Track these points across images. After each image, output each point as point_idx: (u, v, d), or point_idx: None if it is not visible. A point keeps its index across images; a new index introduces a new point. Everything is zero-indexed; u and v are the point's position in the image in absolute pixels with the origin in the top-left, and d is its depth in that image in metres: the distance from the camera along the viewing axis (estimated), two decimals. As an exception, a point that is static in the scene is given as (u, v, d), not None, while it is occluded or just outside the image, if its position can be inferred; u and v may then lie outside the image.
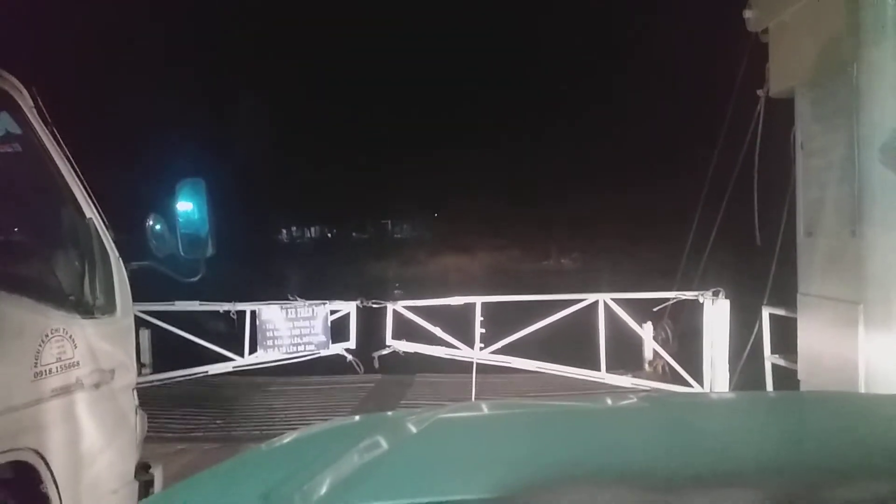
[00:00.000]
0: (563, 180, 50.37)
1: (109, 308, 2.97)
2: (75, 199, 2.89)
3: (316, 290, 9.61)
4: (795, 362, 5.33)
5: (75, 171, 2.90)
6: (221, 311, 6.74)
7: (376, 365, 6.98)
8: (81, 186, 2.92)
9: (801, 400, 2.57)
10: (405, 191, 61.01)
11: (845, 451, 1.31)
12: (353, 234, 63.54)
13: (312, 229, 66.36)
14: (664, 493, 1.07)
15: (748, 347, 6.15)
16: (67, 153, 2.87)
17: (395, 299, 7.10)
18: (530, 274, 26.88)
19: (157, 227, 3.38)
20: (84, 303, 2.85)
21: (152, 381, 6.90)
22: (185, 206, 3.31)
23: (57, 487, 2.43)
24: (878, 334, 4.35)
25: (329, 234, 64.83)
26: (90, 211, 2.93)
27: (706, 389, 6.24)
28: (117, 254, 3.05)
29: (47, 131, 2.79)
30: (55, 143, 2.82)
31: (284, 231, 63.23)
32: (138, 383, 3.38)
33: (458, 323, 6.80)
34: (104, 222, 3.01)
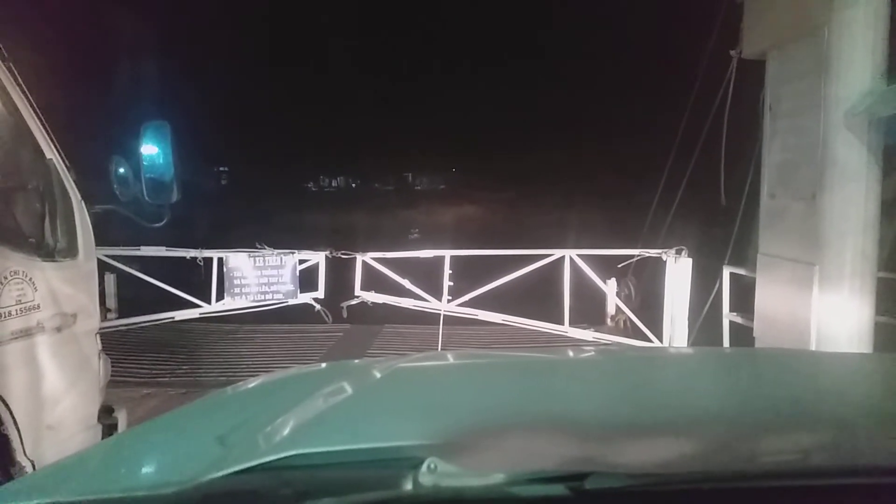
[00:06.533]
0: (575, 140, 53.86)
1: (71, 251, 2.94)
2: (35, 140, 2.82)
3: (338, 235, 9.68)
4: (752, 320, 5.49)
5: (34, 110, 2.82)
6: (188, 257, 6.68)
7: (345, 315, 7.01)
8: (41, 126, 2.85)
9: (753, 356, 2.65)
10: (427, 147, 67.61)
11: (785, 405, 1.36)
12: (376, 185, 69.36)
13: (338, 179, 73.43)
14: (597, 442, 1.11)
15: (708, 305, 6.31)
16: (26, 91, 2.79)
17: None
18: (535, 225, 27.23)
19: (121, 170, 3.33)
20: (44, 245, 2.81)
21: (118, 326, 6.87)
22: (150, 150, 3.25)
23: (18, 430, 2.44)
24: (830, 295, 4.49)
25: (353, 185, 71.37)
26: (50, 151, 2.87)
27: (665, 345, 6.40)
28: (79, 196, 3.00)
29: (4, 68, 2.70)
30: (13, 81, 2.73)
31: (312, 181, 69.62)
32: (103, 328, 3.37)
33: (434, 274, 6.84)
34: (65, 164, 2.94)
